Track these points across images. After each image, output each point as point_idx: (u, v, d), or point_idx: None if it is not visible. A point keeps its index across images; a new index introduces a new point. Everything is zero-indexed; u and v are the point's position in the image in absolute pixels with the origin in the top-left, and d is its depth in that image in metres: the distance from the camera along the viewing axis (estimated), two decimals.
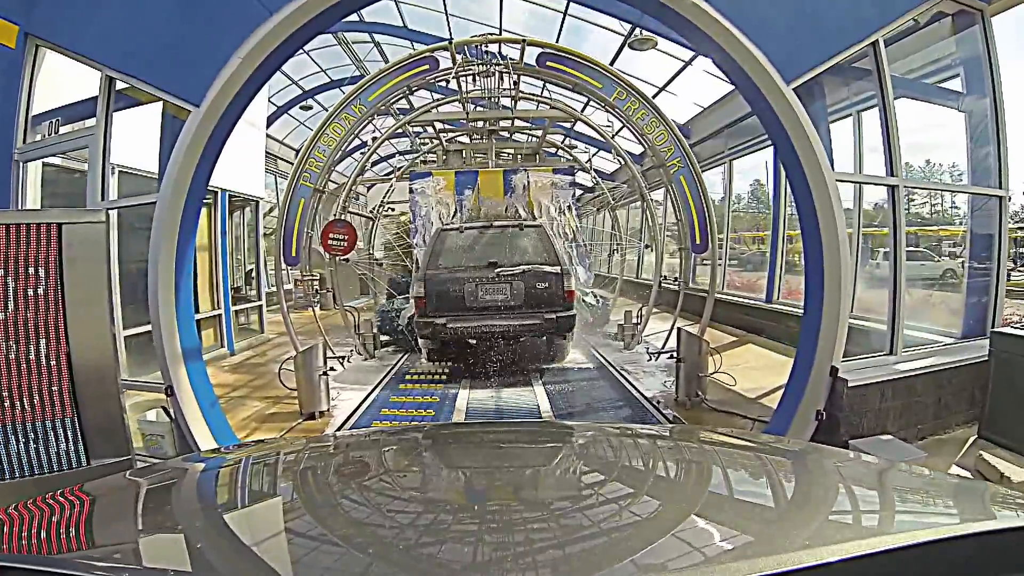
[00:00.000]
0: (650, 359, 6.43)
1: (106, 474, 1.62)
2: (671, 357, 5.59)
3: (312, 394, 4.91)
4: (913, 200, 7.77)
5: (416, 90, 6.51)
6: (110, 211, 5.04)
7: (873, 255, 6.68)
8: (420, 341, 6.69)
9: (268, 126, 12.19)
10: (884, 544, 0.70)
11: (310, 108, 13.08)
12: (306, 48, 12.14)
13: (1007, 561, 0.75)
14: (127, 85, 3.78)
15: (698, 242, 5.92)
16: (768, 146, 8.29)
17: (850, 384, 3.58)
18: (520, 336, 6.11)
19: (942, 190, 5.43)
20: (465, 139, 10.11)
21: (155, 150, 3.86)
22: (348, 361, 6.51)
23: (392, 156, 15.07)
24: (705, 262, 7.06)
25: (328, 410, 5.05)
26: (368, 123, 6.82)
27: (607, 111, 6.41)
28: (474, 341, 6.25)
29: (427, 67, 6.10)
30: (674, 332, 5.83)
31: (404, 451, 1.47)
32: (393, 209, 10.45)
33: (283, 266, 6.39)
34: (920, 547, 0.70)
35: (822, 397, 3.58)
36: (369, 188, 12.68)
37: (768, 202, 11.01)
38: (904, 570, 0.71)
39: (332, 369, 5.50)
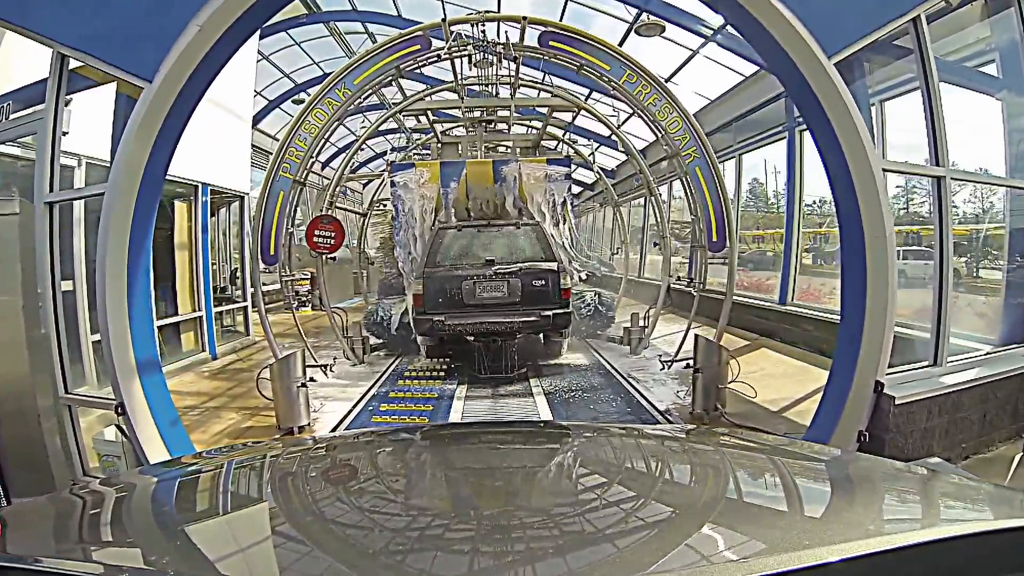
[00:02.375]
0: (663, 367, 5.98)
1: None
2: (687, 366, 5.15)
3: (290, 407, 4.45)
4: (912, 200, 7.52)
5: (405, 73, 6.02)
6: (74, 203, 4.63)
7: None
8: (419, 338, 6.75)
9: (259, 121, 11.78)
10: (884, 544, 0.70)
11: (302, 102, 12.61)
12: (297, 39, 11.76)
13: (1007, 561, 0.74)
14: (81, 64, 3.35)
15: (715, 239, 5.44)
16: (776, 141, 7.95)
17: (897, 401, 3.15)
18: (517, 333, 6.15)
19: (990, 183, 5.01)
20: (461, 131, 9.67)
21: None
22: (331, 370, 6.05)
23: (385, 152, 14.68)
24: (713, 261, 6.65)
25: (309, 424, 4.60)
26: (357, 113, 6.39)
27: (614, 97, 5.97)
28: (472, 338, 6.25)
29: (418, 47, 5.62)
30: (689, 338, 5.41)
31: (396, 453, 1.37)
32: (385, 205, 10.04)
33: (261, 266, 5.88)
34: (920, 547, 0.69)
35: (864, 415, 3.15)
36: (365, 184, 12.31)
37: (767, 200, 10.70)
38: (904, 570, 0.69)
39: (312, 379, 5.05)
